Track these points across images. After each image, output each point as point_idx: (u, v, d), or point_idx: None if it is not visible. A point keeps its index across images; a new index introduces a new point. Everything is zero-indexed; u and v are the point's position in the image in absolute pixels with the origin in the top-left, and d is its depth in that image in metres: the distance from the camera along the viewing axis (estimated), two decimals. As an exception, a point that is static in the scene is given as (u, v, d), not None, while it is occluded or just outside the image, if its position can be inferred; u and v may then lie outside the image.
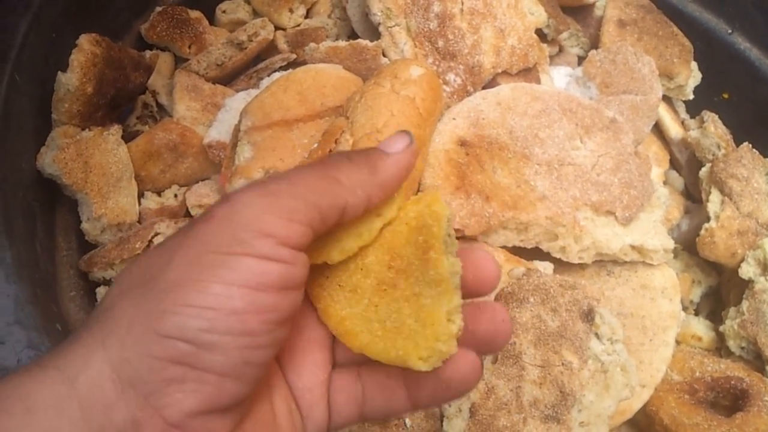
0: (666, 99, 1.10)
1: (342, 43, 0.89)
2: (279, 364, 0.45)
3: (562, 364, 0.66)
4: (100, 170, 0.80)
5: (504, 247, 0.80)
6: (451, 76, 0.91)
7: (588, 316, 0.69)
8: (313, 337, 0.46)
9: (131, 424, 0.34)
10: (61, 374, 0.34)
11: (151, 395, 0.34)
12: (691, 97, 1.09)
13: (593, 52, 1.01)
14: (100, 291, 0.79)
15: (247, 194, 0.38)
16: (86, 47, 0.79)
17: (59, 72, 0.80)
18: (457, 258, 0.41)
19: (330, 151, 0.76)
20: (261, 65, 0.97)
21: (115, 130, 0.83)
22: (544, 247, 0.81)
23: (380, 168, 0.42)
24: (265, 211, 0.37)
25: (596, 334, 0.69)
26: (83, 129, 0.82)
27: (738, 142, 0.99)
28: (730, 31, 1.14)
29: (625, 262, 0.83)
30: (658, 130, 1.08)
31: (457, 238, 0.78)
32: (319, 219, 0.38)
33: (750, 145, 0.96)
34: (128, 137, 0.89)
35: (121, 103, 0.89)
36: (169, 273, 0.36)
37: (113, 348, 0.35)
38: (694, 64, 1.09)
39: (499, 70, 0.93)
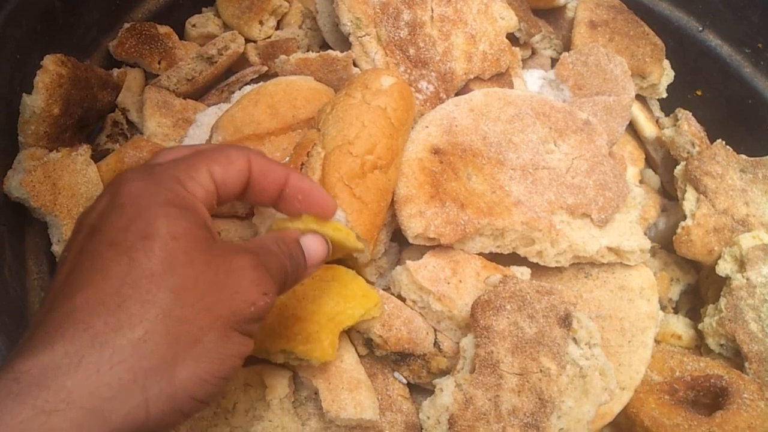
0: (640, 98, 1.10)
1: (312, 54, 0.89)
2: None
3: (540, 370, 0.66)
4: (69, 191, 0.79)
5: (481, 253, 0.80)
6: (423, 84, 0.90)
7: (565, 321, 0.69)
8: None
9: None
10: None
11: None
12: (665, 95, 1.10)
13: (565, 54, 1.01)
14: (74, 314, 0.78)
15: None
16: (51, 68, 0.78)
17: (24, 94, 0.79)
18: None
19: (302, 164, 0.75)
20: (232, 78, 0.96)
21: (84, 150, 0.82)
22: (521, 252, 0.80)
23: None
24: None
25: (574, 339, 0.69)
26: (51, 150, 0.81)
27: (712, 139, 1.00)
28: (701, 28, 1.15)
29: (603, 264, 0.83)
30: (633, 129, 1.09)
31: (433, 246, 0.78)
32: None
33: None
34: (99, 156, 0.88)
35: (90, 123, 0.87)
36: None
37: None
38: (666, 63, 1.10)
39: (472, 76, 0.93)
